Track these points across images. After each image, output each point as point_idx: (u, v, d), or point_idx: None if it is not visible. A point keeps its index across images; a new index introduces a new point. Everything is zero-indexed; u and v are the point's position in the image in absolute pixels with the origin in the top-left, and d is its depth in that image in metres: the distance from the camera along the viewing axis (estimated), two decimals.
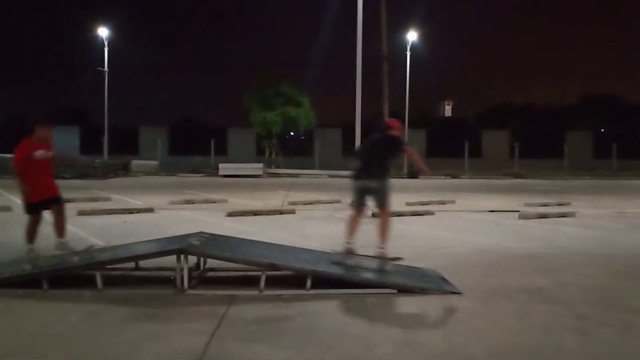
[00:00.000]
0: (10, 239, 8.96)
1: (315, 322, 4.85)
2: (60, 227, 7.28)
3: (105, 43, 34.60)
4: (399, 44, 36.89)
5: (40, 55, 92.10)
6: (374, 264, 6.86)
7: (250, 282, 5.82)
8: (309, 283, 5.66)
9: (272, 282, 5.72)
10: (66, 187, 19.52)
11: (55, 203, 7.31)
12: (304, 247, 7.57)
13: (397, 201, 15.67)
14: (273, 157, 37.18)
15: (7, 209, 12.62)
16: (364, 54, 15.34)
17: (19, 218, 11.30)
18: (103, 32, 34.65)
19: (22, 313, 5.00)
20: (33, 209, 7.25)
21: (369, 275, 6.24)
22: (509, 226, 11.14)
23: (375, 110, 36.24)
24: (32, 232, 7.27)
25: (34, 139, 7.29)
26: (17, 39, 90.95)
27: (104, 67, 34.69)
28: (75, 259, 6.28)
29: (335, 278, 5.81)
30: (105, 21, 35.53)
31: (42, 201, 7.21)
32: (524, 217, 12.24)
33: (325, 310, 5.16)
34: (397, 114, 35.46)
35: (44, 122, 7.61)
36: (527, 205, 14.89)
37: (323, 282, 5.72)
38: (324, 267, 6.11)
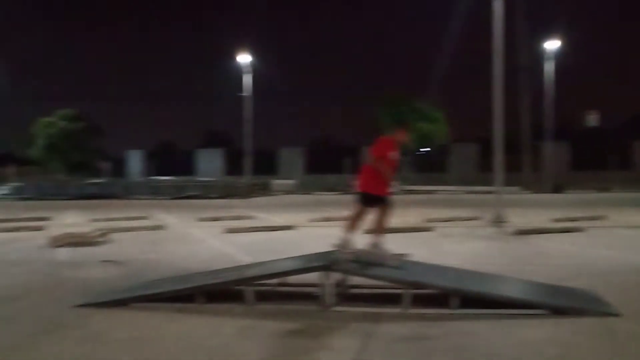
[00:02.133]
0: (165, 255, 9.66)
1: (464, 342, 4.68)
2: (379, 227, 7.08)
3: (247, 69, 36.45)
4: (539, 53, 35.10)
5: (186, 83, 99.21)
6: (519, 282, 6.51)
7: (394, 300, 5.76)
8: (455, 302, 5.49)
9: (416, 300, 5.62)
10: (213, 206, 20.88)
11: (384, 202, 7.06)
12: (445, 265, 7.38)
13: (542, 217, 14.93)
14: (407, 173, 36.92)
15: (159, 227, 13.64)
16: (503, 65, 14.77)
17: (171, 235, 12.22)
18: (244, 58, 36.57)
19: (180, 325, 5.31)
20: (367, 200, 7.05)
21: (518, 295, 5.93)
22: None
23: (514, 123, 34.82)
24: (354, 224, 7.05)
25: (392, 139, 7.14)
26: (164, 67, 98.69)
27: (243, 93, 36.56)
28: (230, 274, 6.57)
29: (482, 297, 5.58)
30: (246, 48, 37.45)
31: (378, 196, 6.99)
32: None
33: (474, 331, 4.97)
34: (539, 126, 33.81)
35: (402, 125, 7.67)
36: None
37: (469, 301, 5.53)
38: (469, 286, 5.90)
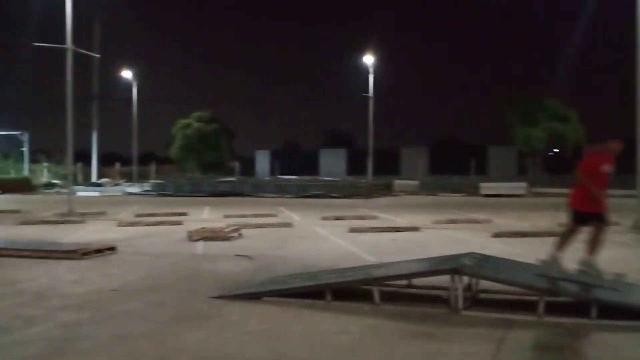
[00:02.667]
0: (292, 252, 9.96)
1: (603, 355, 4.41)
2: (593, 244, 6.87)
3: (371, 70, 36.60)
4: None
5: (311, 85, 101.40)
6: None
7: (526, 306, 5.54)
8: (594, 312, 5.19)
9: (551, 308, 5.37)
10: (336, 205, 21.18)
11: (598, 219, 6.92)
12: (580, 272, 6.97)
13: None
14: (537, 175, 35.22)
15: (286, 224, 14.09)
16: None
17: (297, 232, 12.57)
18: (369, 59, 36.74)
19: (310, 321, 5.46)
20: (579, 218, 6.96)
21: None
22: None
23: None
24: (564, 242, 6.95)
25: (604, 152, 7.07)
26: (290, 70, 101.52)
27: (368, 93, 36.71)
28: (357, 273, 6.67)
29: (624, 308, 5.22)
30: (371, 48, 37.64)
31: (589, 213, 6.90)
32: None
33: (615, 343, 4.67)
34: None
35: (615, 137, 7.37)
36: None
37: (609, 311, 5.18)
38: (609, 295, 5.54)
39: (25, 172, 38.86)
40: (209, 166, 40.48)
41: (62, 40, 18.63)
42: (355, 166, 41.21)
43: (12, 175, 37.16)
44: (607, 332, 4.92)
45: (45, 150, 44.39)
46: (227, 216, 16.20)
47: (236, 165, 39.07)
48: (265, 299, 6.19)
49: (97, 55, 33.36)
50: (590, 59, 74.00)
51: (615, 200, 23.71)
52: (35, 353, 4.58)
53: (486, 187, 29.78)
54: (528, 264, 6.93)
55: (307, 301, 6.00)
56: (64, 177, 36.32)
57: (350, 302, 5.94)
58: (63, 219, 15.80)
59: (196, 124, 40.08)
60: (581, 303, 5.36)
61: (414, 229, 13.06)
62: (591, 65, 73.60)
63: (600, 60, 69.67)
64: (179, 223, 14.38)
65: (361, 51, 37.50)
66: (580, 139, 34.74)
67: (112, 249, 9.75)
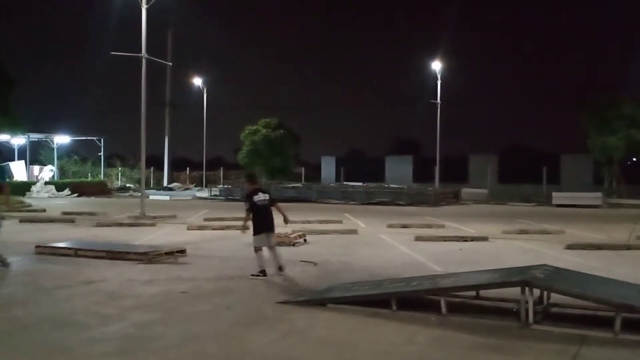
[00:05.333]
0: (357, 258, 9.94)
1: None
2: None
3: (439, 76, 36.16)
4: None
5: (380, 91, 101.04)
6: None
7: (601, 322, 5.31)
8: None
9: (628, 325, 5.12)
10: (402, 213, 20.99)
11: None
12: None
13: None
14: (614, 185, 33.71)
15: (352, 231, 14.07)
16: None
17: (362, 239, 12.53)
18: (437, 65, 36.32)
19: (375, 330, 5.43)
20: None
21: None
22: None
23: None
24: None
25: None
26: (357, 76, 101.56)
27: (436, 100, 36.26)
28: (424, 283, 6.58)
29: None
30: (440, 54, 37.28)
31: None
32: None
33: None
34: None
35: None
36: None
37: None
38: None
39: (101, 176, 40.55)
40: (275, 171, 40.99)
41: (138, 49, 19.36)
42: (422, 174, 40.61)
43: (89, 178, 38.86)
44: None
45: (120, 155, 46.22)
46: (292, 222, 16.32)
47: (302, 171, 39.39)
48: (330, 305, 6.21)
49: (169, 64, 34.48)
50: None
51: None
52: (111, 350, 4.77)
53: (559, 196, 28.76)
54: (603, 278, 6.66)
55: (372, 309, 5.97)
56: (137, 181, 37.72)
57: (416, 312, 5.87)
58: (136, 222, 16.36)
59: (263, 130, 40.70)
60: None
61: (483, 238, 12.76)
62: None
63: None
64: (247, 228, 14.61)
65: (430, 57, 37.17)
66: None
67: (182, 251, 10.02)
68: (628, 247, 11.54)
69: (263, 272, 8.03)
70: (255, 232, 8.38)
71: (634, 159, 35.61)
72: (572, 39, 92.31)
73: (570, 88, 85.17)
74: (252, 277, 7.99)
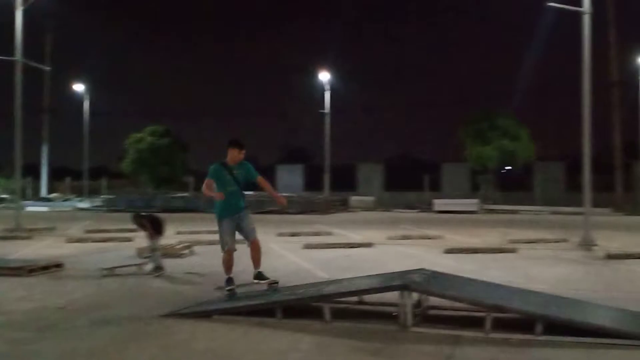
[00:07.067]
0: (245, 268, 9.86)
1: None
2: None
3: (327, 86, 36.88)
4: (632, 67, 33.08)
5: (268, 100, 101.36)
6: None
7: (474, 323, 5.60)
8: (539, 328, 5.28)
9: (498, 324, 5.45)
10: (292, 221, 21.14)
11: None
12: (529, 288, 7.12)
13: (634, 241, 14.10)
14: (489, 192, 35.96)
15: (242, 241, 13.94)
16: (592, 80, 14.20)
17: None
18: (324, 76, 37.03)
19: (259, 339, 5.40)
20: None
21: (608, 323, 5.61)
22: None
23: (605, 142, 33.17)
24: None
25: None
26: (246, 85, 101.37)
27: (324, 109, 36.93)
28: (308, 291, 6.63)
29: (569, 324, 5.33)
30: (327, 64, 38.03)
31: None
32: None
33: (559, 359, 4.76)
34: (633, 144, 32.09)
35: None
36: None
37: (555, 328, 5.29)
38: (556, 312, 5.66)
39: None
40: (162, 181, 39.81)
41: (12, 52, 18.33)
42: (313, 182, 41.15)
43: None
44: (552, 348, 5.00)
45: None
46: (179, 232, 15.93)
47: (190, 180, 38.56)
48: (215, 317, 6.10)
49: (48, 68, 32.68)
50: (545, 77, 76.11)
51: (564, 218, 24.57)
52: None
53: (439, 203, 30.29)
54: (477, 280, 7.04)
55: (257, 319, 5.93)
56: (12, 192, 35.22)
57: (301, 319, 5.90)
58: (10, 235, 15.33)
59: (149, 138, 39.45)
60: (527, 319, 5.45)
61: (368, 245, 13.13)
62: (546, 83, 75.63)
63: (555, 78, 71.76)
64: (129, 240, 14.06)
65: (318, 68, 37.84)
66: (530, 157, 35.68)
67: (59, 265, 9.49)
68: (501, 251, 12.31)
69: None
70: None
71: (507, 168, 38.19)
72: (456, 52, 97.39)
73: (452, 100, 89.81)
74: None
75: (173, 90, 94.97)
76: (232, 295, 6.79)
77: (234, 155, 7.08)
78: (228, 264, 6.97)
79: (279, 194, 7.66)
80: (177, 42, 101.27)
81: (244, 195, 7.15)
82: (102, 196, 34.34)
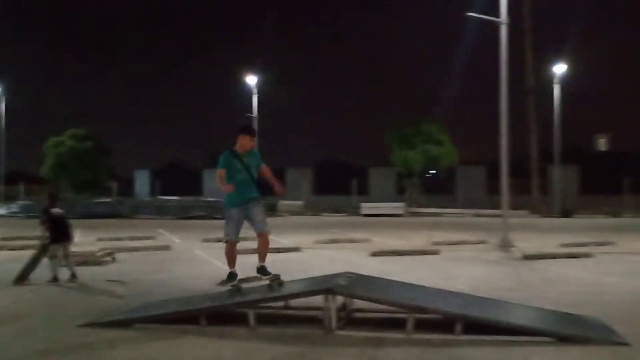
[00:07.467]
0: (170, 275, 9.65)
1: None
2: None
3: (255, 90, 36.67)
4: (547, 75, 34.79)
5: (195, 104, 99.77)
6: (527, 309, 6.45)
7: (397, 324, 5.70)
8: (459, 328, 5.44)
9: (421, 325, 5.57)
10: (218, 227, 20.81)
11: None
12: (451, 289, 7.33)
13: (550, 242, 14.81)
14: (414, 196, 36.84)
15: (165, 247, 13.65)
16: (509, 87, 14.83)
17: (176, 256, 12.21)
18: (252, 80, 36.81)
19: (182, 347, 5.28)
20: None
21: (524, 322, 5.85)
22: None
23: (522, 146, 34.62)
24: None
25: None
26: (173, 88, 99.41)
27: (252, 113, 36.71)
28: (233, 297, 6.53)
29: (488, 323, 5.52)
30: (255, 68, 37.81)
31: None
32: None
33: (478, 357, 4.92)
34: (548, 150, 33.66)
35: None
36: None
37: (474, 327, 5.46)
38: (475, 312, 5.85)
39: None
40: (84, 186, 38.37)
41: None
42: None
43: None
44: (471, 347, 5.16)
45: None
46: (100, 239, 15.40)
47: (113, 185, 37.38)
48: (137, 325, 5.92)
49: None
50: (470, 84, 78.70)
51: (484, 220, 25.41)
52: None
53: (366, 207, 30.74)
54: (401, 282, 7.17)
55: (180, 327, 5.81)
56: None
57: (226, 326, 5.82)
58: None
59: (69, 142, 37.96)
60: (448, 320, 5.60)
61: (295, 249, 13.14)
62: (471, 90, 78.09)
63: (479, 85, 74.25)
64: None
65: (247, 70, 37.58)
66: (453, 161, 36.83)
67: None
68: (425, 253, 12.62)
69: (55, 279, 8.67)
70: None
71: (431, 172, 39.25)
72: (384, 57, 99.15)
73: (380, 105, 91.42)
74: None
75: (99, 95, 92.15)
76: (236, 291, 6.34)
77: (244, 143, 6.66)
78: (230, 256, 6.54)
79: (279, 183, 7.04)
80: (104, 45, 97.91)
81: (255, 184, 6.74)
82: (19, 202, 32.72)
